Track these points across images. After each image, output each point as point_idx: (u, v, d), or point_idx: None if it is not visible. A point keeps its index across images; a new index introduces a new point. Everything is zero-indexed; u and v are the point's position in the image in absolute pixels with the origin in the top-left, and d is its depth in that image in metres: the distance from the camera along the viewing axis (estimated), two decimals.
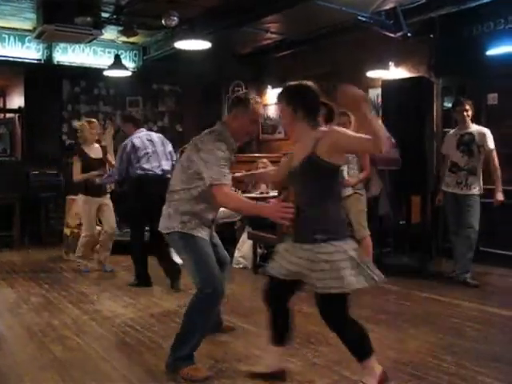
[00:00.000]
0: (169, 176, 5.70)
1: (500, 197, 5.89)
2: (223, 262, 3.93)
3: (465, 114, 5.98)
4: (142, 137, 6.09)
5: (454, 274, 6.10)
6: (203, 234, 3.57)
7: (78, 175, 6.60)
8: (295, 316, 4.83)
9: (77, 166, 6.59)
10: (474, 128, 6.02)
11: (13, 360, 3.90)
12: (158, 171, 5.96)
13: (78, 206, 6.92)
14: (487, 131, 5.96)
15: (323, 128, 3.17)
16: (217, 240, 3.96)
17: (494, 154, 5.93)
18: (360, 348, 3.17)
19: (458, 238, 6.07)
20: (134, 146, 5.98)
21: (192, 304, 3.55)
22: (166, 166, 6.04)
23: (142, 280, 6.03)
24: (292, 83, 3.20)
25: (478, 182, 5.96)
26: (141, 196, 5.92)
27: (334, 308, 3.07)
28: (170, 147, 6.25)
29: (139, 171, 5.93)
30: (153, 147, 6.06)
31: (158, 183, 5.66)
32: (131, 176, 6.01)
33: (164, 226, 3.61)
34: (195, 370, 3.49)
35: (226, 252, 4.05)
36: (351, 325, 3.14)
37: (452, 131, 6.26)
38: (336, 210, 3.08)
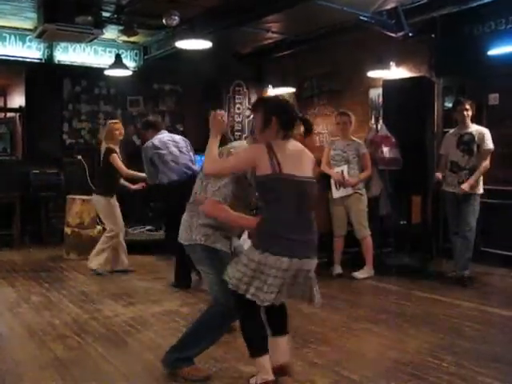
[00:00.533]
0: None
1: (466, 187, 5.86)
2: None
3: (465, 113, 5.98)
4: (163, 138, 6.16)
5: (453, 274, 6.10)
6: (226, 246, 3.49)
7: (127, 170, 6.62)
8: (295, 316, 4.84)
9: (120, 163, 6.55)
10: (474, 128, 6.02)
11: (13, 359, 3.90)
12: (187, 171, 5.98)
13: (100, 206, 6.69)
14: (487, 131, 5.96)
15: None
16: (242, 249, 3.91)
17: (488, 154, 5.91)
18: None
19: (458, 237, 6.07)
20: (155, 146, 6.05)
21: (205, 315, 3.51)
22: (194, 166, 6.05)
23: (183, 281, 5.88)
24: (270, 96, 3.35)
25: (479, 181, 5.95)
26: (172, 197, 5.83)
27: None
28: (192, 150, 6.28)
29: (169, 173, 5.98)
30: (176, 148, 6.10)
31: (186, 184, 5.60)
32: (159, 179, 6.06)
33: (184, 237, 3.52)
34: (196, 369, 3.49)
35: None
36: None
37: (451, 131, 6.26)
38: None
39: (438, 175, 6.18)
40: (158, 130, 6.26)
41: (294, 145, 3.27)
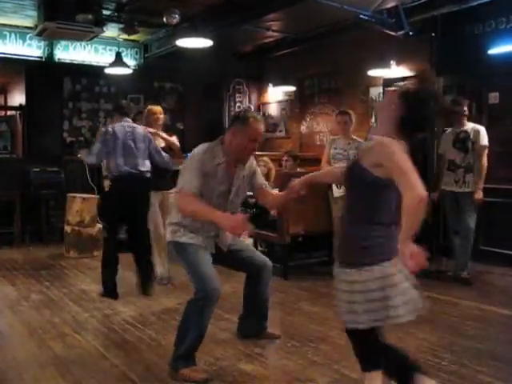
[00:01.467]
0: (147, 175, 5.59)
1: (479, 195, 5.91)
2: (258, 266, 3.95)
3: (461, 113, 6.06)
4: (124, 126, 5.62)
5: (456, 273, 6.12)
6: (194, 240, 3.63)
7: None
8: (295, 315, 4.84)
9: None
10: (470, 126, 6.07)
11: (13, 357, 3.91)
12: (133, 170, 5.51)
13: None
14: (482, 128, 6.01)
15: None
16: (241, 245, 3.99)
17: (485, 151, 5.95)
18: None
19: (457, 236, 6.10)
20: (114, 133, 5.52)
21: (186, 306, 3.60)
22: (143, 166, 5.57)
23: (108, 289, 5.52)
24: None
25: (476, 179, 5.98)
26: (114, 194, 5.67)
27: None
28: (152, 144, 5.72)
29: (113, 167, 5.54)
30: (133, 142, 5.57)
31: (132, 182, 5.49)
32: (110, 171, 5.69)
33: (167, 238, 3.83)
34: (194, 371, 3.50)
35: (262, 256, 4.06)
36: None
37: (448, 130, 6.30)
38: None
39: (434, 196, 6.22)
40: (122, 117, 5.73)
41: None
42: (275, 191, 4.50)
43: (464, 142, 6.01)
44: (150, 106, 6.39)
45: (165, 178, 5.95)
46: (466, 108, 6.06)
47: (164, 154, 5.87)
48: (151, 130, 5.95)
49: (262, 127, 3.63)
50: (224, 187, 3.66)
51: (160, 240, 5.80)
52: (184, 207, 3.53)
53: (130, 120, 5.79)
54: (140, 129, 5.73)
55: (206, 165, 3.57)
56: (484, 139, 5.94)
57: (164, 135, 6.20)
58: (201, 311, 3.49)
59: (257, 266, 3.93)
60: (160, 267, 5.96)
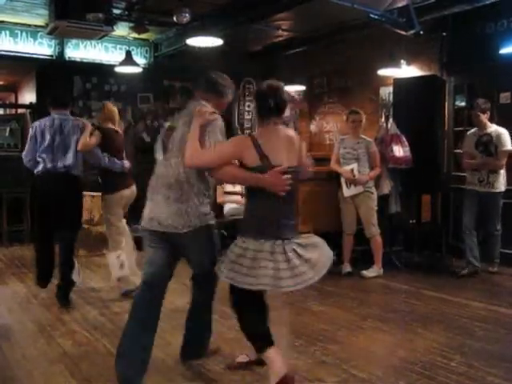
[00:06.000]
0: (75, 173, 5.16)
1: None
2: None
3: (479, 117, 6.09)
4: (54, 119, 5.18)
5: (466, 272, 6.15)
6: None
7: None
8: (304, 314, 4.84)
9: None
10: (493, 128, 6.09)
11: (22, 354, 3.92)
12: (60, 166, 5.11)
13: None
14: (505, 132, 6.04)
15: None
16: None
17: (505, 156, 6.00)
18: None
19: (471, 236, 6.13)
20: (41, 128, 5.15)
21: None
22: (68, 161, 5.13)
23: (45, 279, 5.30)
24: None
25: (500, 178, 6.06)
26: (38, 194, 5.27)
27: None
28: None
29: (41, 164, 5.16)
30: (60, 135, 5.13)
31: (57, 180, 5.11)
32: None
33: (182, 224, 3.45)
34: None
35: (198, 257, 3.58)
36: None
37: (472, 130, 6.32)
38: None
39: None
40: (56, 109, 5.26)
41: (280, 132, 3.25)
42: None
43: (486, 145, 6.05)
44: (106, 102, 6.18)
45: (122, 176, 5.53)
46: (479, 110, 6.06)
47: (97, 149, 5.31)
48: (85, 121, 5.50)
49: None
50: None
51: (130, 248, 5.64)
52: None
53: (66, 112, 5.29)
54: (72, 121, 5.25)
55: None
56: (506, 144, 5.99)
57: (86, 132, 5.23)
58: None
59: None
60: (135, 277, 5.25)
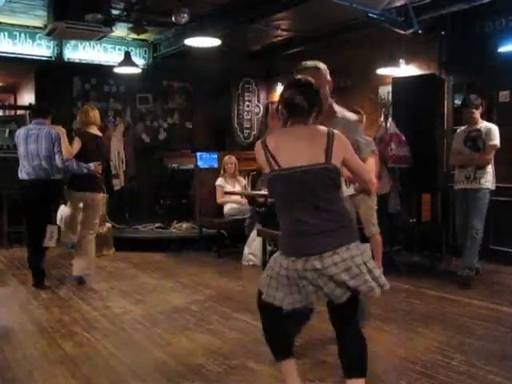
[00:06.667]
0: (52, 178, 5.62)
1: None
2: None
3: (472, 113, 5.96)
4: (29, 129, 5.73)
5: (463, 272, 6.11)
6: None
7: None
8: None
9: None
10: (483, 124, 5.98)
11: (23, 355, 3.92)
12: (35, 173, 5.64)
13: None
14: (494, 127, 5.90)
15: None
16: None
17: (492, 151, 5.84)
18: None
19: (465, 235, 6.07)
20: (19, 136, 5.72)
21: None
22: (46, 167, 5.62)
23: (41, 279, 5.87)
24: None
25: (487, 176, 5.88)
26: (23, 197, 5.90)
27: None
28: (56, 144, 5.62)
29: (22, 170, 5.72)
30: (35, 143, 5.60)
31: (34, 186, 5.65)
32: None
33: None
34: None
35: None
36: None
37: (462, 128, 6.22)
38: None
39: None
40: (34, 118, 5.82)
41: (296, 130, 2.78)
42: None
43: (475, 141, 5.93)
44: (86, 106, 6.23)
45: (86, 178, 5.84)
46: (474, 107, 5.94)
47: (60, 155, 5.61)
48: (60, 128, 5.81)
49: None
50: None
51: (80, 243, 6.08)
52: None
53: (43, 120, 5.74)
54: (47, 128, 5.65)
55: None
56: (494, 139, 5.84)
57: (63, 139, 5.74)
58: None
59: None
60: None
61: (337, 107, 3.69)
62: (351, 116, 3.75)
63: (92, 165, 5.76)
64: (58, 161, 5.58)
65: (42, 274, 5.82)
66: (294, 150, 2.70)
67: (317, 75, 3.24)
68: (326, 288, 2.62)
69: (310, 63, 3.44)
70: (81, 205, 5.97)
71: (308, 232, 2.65)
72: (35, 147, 5.56)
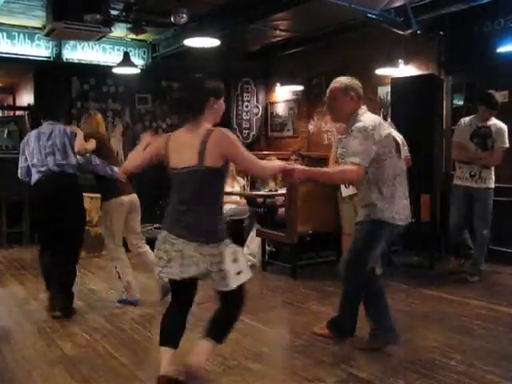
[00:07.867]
0: (70, 171, 4.99)
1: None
2: None
3: (493, 113, 5.83)
4: (39, 130, 5.07)
5: (467, 270, 6.11)
6: None
7: None
8: (303, 314, 4.83)
9: None
10: (492, 122, 5.84)
11: (21, 356, 3.92)
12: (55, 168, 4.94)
13: None
14: (504, 128, 5.79)
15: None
16: None
17: (503, 152, 5.80)
18: None
19: (459, 235, 6.07)
20: (28, 141, 5.03)
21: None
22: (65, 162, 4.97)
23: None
24: None
25: (492, 175, 5.86)
26: (35, 202, 5.13)
27: None
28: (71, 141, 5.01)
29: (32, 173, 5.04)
30: (49, 141, 4.95)
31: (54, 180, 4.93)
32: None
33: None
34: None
35: None
36: None
37: (467, 119, 6.05)
38: None
39: None
40: (44, 120, 5.15)
41: (187, 131, 3.10)
42: None
43: (484, 139, 5.80)
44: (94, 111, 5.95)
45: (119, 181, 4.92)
46: (498, 108, 5.80)
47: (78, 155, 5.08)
48: (75, 128, 5.38)
49: None
50: None
51: (141, 259, 5.48)
52: None
53: (53, 121, 5.11)
54: (60, 127, 5.05)
55: None
56: (505, 141, 5.74)
57: (79, 136, 5.10)
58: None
59: None
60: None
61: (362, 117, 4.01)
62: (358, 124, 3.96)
63: (117, 169, 5.06)
64: (76, 155, 5.02)
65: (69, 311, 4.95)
66: (178, 150, 3.02)
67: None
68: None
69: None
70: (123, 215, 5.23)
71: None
72: (49, 143, 4.93)
